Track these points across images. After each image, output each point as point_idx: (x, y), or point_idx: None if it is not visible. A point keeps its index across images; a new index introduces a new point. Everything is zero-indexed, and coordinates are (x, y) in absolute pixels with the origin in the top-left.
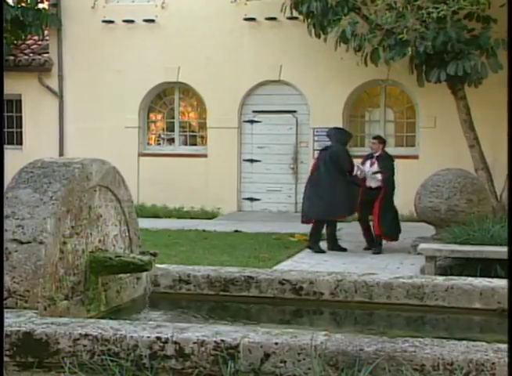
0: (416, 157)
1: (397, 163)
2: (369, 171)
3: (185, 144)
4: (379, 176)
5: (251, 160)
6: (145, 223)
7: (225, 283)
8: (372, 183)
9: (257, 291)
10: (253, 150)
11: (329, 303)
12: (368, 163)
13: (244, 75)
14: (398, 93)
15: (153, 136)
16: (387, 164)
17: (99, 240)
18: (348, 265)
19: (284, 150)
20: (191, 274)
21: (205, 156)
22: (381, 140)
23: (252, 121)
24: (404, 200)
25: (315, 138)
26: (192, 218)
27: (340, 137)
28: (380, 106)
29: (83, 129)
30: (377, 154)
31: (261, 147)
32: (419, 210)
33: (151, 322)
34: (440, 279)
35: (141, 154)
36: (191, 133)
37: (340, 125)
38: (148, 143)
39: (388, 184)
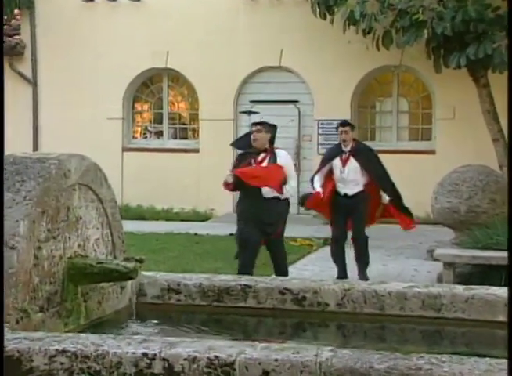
0: (432, 152)
1: (411, 159)
2: (344, 174)
3: (175, 138)
4: (387, 198)
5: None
6: (129, 226)
7: (219, 292)
8: (347, 189)
9: (254, 301)
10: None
11: (335, 315)
12: (337, 163)
13: (241, 61)
14: (412, 81)
15: (139, 129)
16: (373, 160)
17: (79, 245)
18: (355, 272)
19: (285, 144)
20: (181, 283)
21: (197, 151)
22: (352, 127)
23: (249, 112)
24: (419, 200)
25: (320, 131)
26: (182, 220)
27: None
28: (392, 96)
29: (60, 121)
30: (349, 148)
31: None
32: (436, 211)
33: (136, 336)
34: (459, 288)
35: (125, 149)
36: (181, 125)
37: (347, 117)
38: (133, 137)
39: (382, 181)
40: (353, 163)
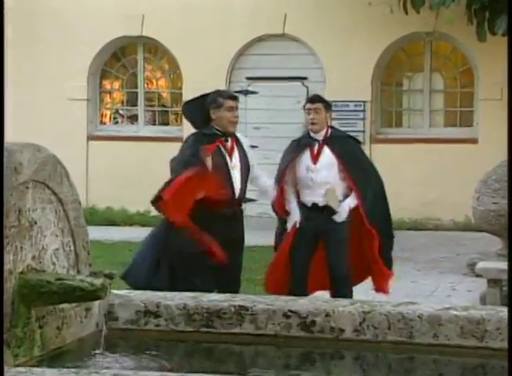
0: (474, 140)
1: (448, 149)
2: (313, 174)
3: (153, 123)
4: (354, 201)
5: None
6: (97, 233)
7: (208, 315)
8: (317, 195)
9: (252, 326)
10: (247, 131)
11: (352, 344)
12: (305, 158)
13: (235, 28)
14: (449, 52)
15: (108, 112)
16: (358, 154)
17: (33, 257)
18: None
19: (290, 131)
20: (161, 303)
21: (180, 139)
22: (326, 105)
23: (246, 92)
24: (457, 200)
25: (334, 115)
26: None
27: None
28: (423, 70)
29: (10, 102)
30: (321, 135)
31: (258, 128)
32: (478, 215)
33: (105, 370)
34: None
35: (91, 137)
36: (161, 108)
37: (367, 99)
38: (101, 122)
39: (367, 195)
40: (328, 157)
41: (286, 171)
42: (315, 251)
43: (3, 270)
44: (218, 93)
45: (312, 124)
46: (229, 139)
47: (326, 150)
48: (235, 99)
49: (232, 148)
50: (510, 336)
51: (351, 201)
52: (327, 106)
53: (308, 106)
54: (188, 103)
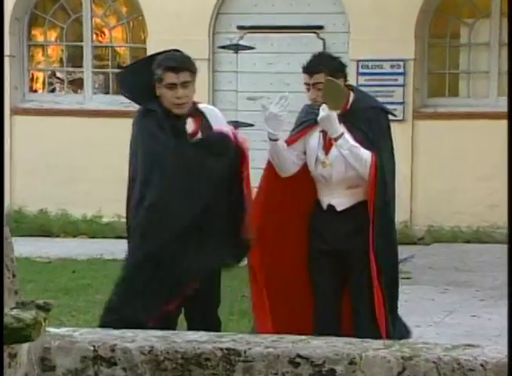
0: None
1: None
2: (327, 169)
3: (106, 92)
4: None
5: (235, 123)
6: (25, 247)
7: (183, 362)
8: (335, 196)
9: None
10: (238, 102)
11: None
12: (314, 144)
13: None
14: None
15: (41, 75)
16: (385, 135)
17: None
18: (425, 326)
19: (298, 103)
20: (117, 346)
21: None
22: (335, 72)
23: (237, 47)
24: None
25: (361, 80)
26: (119, 237)
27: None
28: (490, 16)
29: None
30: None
31: (254, 99)
32: None
33: None
34: None
35: (15, 111)
36: (116, 70)
37: (409, 56)
38: (30, 89)
39: (382, 194)
40: (345, 142)
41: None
42: (342, 278)
43: (3, 266)
44: (158, 60)
45: (316, 104)
46: (189, 120)
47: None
48: (178, 70)
49: (196, 133)
50: (510, 336)
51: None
52: (335, 72)
53: (306, 79)
54: (127, 70)
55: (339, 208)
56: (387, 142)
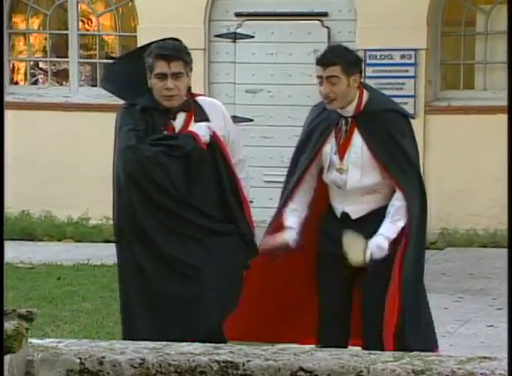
0: None
1: None
2: (343, 174)
3: (93, 84)
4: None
5: (234, 119)
6: (7, 252)
7: None
8: (349, 203)
9: None
10: (236, 96)
11: None
12: (328, 148)
13: None
14: None
15: (23, 66)
16: (395, 134)
17: None
18: (438, 337)
19: (301, 96)
20: (106, 359)
21: None
22: (350, 65)
23: (235, 36)
24: None
25: (369, 71)
26: (107, 240)
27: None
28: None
29: None
30: (353, 112)
31: (253, 92)
32: None
33: None
34: None
35: None
36: (104, 60)
37: (421, 46)
38: (11, 81)
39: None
40: (358, 145)
41: (304, 177)
42: (352, 287)
43: (3, 270)
44: (151, 48)
45: (328, 100)
46: (180, 115)
47: (357, 134)
48: (170, 59)
49: (184, 129)
50: (510, 337)
51: (388, 230)
52: (351, 66)
53: (319, 72)
54: (117, 62)
55: (354, 217)
56: (395, 132)
